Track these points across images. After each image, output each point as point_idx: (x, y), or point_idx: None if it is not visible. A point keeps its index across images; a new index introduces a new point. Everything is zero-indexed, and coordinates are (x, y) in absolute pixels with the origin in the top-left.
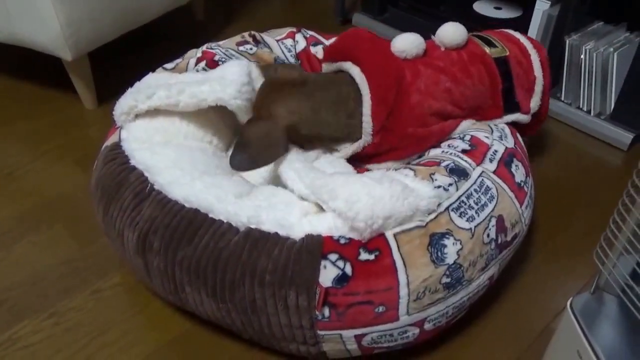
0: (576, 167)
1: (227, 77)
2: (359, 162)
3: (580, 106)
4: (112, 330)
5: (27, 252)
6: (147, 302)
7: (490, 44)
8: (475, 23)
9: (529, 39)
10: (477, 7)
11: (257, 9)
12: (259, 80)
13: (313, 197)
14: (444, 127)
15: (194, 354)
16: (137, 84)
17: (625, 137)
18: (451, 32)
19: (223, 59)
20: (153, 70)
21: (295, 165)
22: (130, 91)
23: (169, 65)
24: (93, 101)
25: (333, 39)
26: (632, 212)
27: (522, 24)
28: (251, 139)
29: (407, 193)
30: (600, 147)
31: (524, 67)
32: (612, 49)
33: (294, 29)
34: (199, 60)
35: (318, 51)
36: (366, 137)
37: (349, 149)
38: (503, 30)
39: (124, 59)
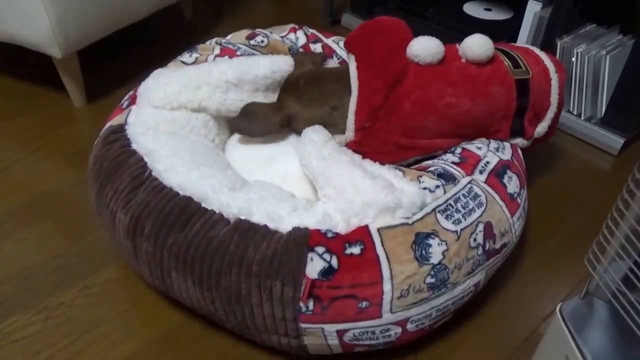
0: (566, 172)
1: None
2: None
3: (571, 110)
4: (101, 326)
5: (17, 247)
6: (137, 299)
7: (515, 63)
8: (465, 25)
9: (553, 60)
10: (468, 8)
11: (246, 9)
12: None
13: (310, 176)
14: (434, 143)
15: (183, 350)
16: (180, 76)
17: (615, 141)
18: (475, 46)
19: (247, 53)
20: (142, 69)
21: (309, 149)
22: (170, 82)
23: (187, 60)
24: (82, 99)
25: (333, 37)
26: (626, 217)
27: (513, 26)
28: (253, 111)
29: (391, 189)
30: (590, 152)
31: (542, 92)
32: (604, 52)
33: (296, 26)
34: (218, 56)
35: (317, 48)
36: (349, 132)
37: (335, 139)
38: (529, 47)
39: (113, 58)
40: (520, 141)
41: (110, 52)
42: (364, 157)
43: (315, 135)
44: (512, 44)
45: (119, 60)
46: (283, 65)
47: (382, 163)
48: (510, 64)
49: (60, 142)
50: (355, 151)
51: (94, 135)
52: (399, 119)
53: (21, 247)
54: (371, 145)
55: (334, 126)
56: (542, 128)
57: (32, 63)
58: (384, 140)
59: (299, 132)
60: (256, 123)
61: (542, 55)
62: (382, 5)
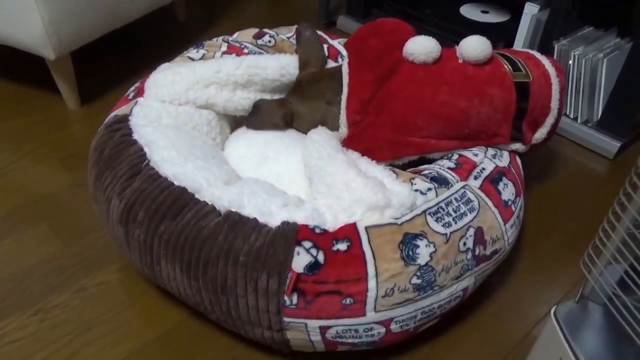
0: (561, 175)
1: None
2: None
3: (567, 113)
4: (96, 328)
5: (12, 250)
6: (133, 301)
7: (515, 66)
8: (462, 27)
9: (554, 64)
10: (464, 10)
11: (240, 10)
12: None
13: (308, 174)
14: (428, 142)
15: (179, 352)
16: (189, 72)
17: (611, 145)
18: (472, 47)
19: (254, 52)
20: (135, 71)
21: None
22: (180, 80)
23: (195, 55)
24: (76, 101)
25: (339, 39)
26: (623, 220)
27: (510, 29)
28: (260, 109)
29: (382, 188)
30: (586, 155)
31: (543, 96)
32: (601, 55)
33: None
34: (225, 53)
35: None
36: (342, 128)
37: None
38: (530, 52)
39: (106, 60)
40: (519, 146)
41: (104, 54)
42: (361, 155)
43: (317, 135)
44: (513, 48)
45: (113, 62)
46: (291, 69)
47: (377, 160)
48: (509, 67)
49: (54, 145)
50: (351, 148)
51: (88, 137)
52: (389, 114)
53: (16, 249)
54: (364, 140)
55: (332, 123)
56: (541, 134)
57: (25, 65)
58: (375, 135)
59: (302, 131)
60: (261, 117)
61: (543, 60)
62: (378, 8)
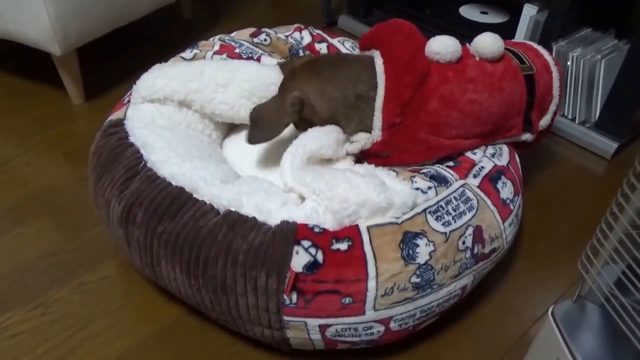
0: (559, 175)
1: None
2: (367, 163)
3: (565, 113)
4: (96, 323)
5: (14, 243)
6: (133, 296)
7: (520, 59)
8: (462, 27)
9: (550, 55)
10: (464, 11)
11: (243, 9)
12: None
13: (296, 184)
14: (459, 143)
15: (178, 348)
16: (173, 70)
17: (609, 146)
18: (488, 44)
19: (244, 53)
20: (140, 68)
21: (295, 160)
22: (163, 75)
23: (187, 55)
24: (81, 96)
25: (339, 38)
26: (620, 220)
27: (508, 30)
28: (262, 113)
29: (384, 188)
30: (584, 156)
31: (547, 86)
32: (599, 56)
33: (301, 26)
34: (217, 53)
35: (322, 48)
36: (376, 131)
37: (360, 142)
38: (527, 42)
39: (111, 57)
40: (528, 136)
41: (109, 50)
42: (389, 163)
43: (295, 159)
44: (511, 40)
45: (118, 58)
46: (278, 74)
47: (407, 163)
48: (517, 60)
49: (58, 140)
50: (380, 152)
51: (92, 133)
52: (426, 116)
53: (18, 243)
54: (399, 143)
55: (361, 122)
56: (545, 121)
57: (31, 60)
58: (412, 137)
59: (314, 121)
60: (266, 126)
61: (541, 49)
62: (379, 8)
